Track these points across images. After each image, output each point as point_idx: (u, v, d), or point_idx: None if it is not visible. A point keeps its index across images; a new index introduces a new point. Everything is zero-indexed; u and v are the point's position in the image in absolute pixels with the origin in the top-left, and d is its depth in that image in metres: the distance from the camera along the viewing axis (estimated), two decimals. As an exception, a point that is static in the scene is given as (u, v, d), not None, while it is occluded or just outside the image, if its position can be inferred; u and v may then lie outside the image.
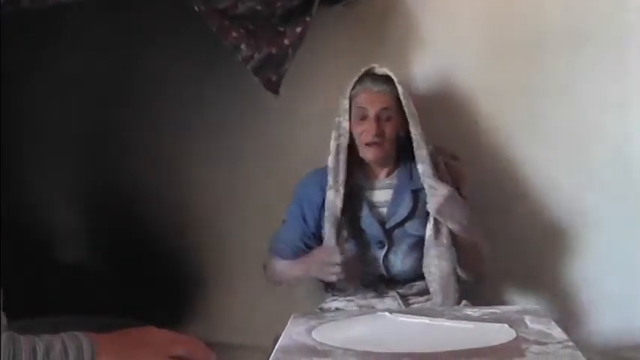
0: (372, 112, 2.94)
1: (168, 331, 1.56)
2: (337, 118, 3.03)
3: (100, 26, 3.45)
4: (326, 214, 2.98)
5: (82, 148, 3.82)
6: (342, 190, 2.96)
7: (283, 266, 3.04)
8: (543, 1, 3.26)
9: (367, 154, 2.97)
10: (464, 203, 2.87)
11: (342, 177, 2.97)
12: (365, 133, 2.95)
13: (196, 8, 2.69)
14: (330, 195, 2.98)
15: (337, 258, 2.79)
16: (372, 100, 2.96)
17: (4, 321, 1.58)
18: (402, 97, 2.96)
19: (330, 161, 3.02)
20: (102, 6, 2.54)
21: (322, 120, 3.14)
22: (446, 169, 2.96)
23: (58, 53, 3.53)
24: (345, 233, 2.95)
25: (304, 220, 3.04)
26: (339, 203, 2.95)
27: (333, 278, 2.84)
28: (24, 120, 3.66)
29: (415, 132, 2.94)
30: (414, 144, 2.93)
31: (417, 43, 3.41)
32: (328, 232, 2.95)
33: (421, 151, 2.93)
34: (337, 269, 2.78)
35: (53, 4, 2.39)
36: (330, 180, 3.00)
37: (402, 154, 3.01)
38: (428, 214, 2.90)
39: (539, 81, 3.29)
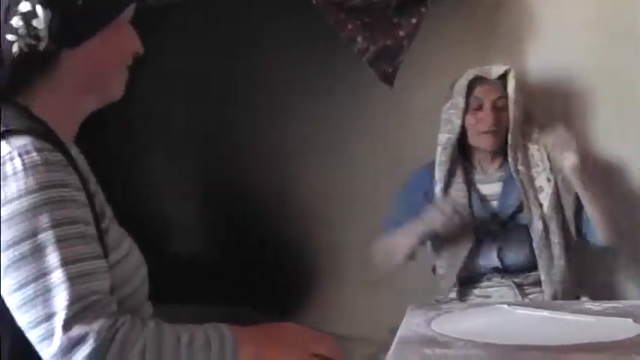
0: (488, 102, 2.97)
1: (310, 329, 1.57)
2: (448, 113, 3.05)
3: (212, 24, 3.51)
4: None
5: (196, 144, 3.89)
6: (443, 181, 3.00)
7: (396, 236, 2.98)
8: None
9: (482, 142, 2.99)
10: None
11: (446, 168, 3.01)
12: (481, 122, 2.97)
13: (314, 1, 2.72)
14: (438, 189, 3.01)
15: (458, 206, 2.84)
16: (487, 91, 2.99)
17: (151, 309, 1.64)
18: (511, 93, 2.99)
19: (439, 155, 3.05)
20: (215, 4, 2.59)
21: (434, 111, 3.13)
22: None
23: (172, 50, 3.60)
24: None
25: (413, 207, 3.01)
26: (440, 194, 3.00)
27: (450, 224, 2.83)
28: (139, 117, 3.73)
29: (524, 129, 2.98)
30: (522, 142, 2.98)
31: (530, 32, 3.37)
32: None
33: (528, 150, 2.99)
34: (456, 216, 2.81)
35: (175, 1, 2.45)
36: (438, 173, 3.03)
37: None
38: (540, 205, 2.90)
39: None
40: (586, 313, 2.39)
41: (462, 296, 2.96)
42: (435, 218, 2.85)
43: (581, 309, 2.47)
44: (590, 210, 2.88)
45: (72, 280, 1.30)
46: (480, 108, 2.98)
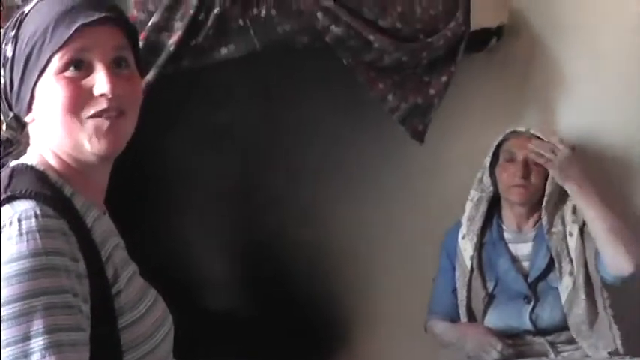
0: (520, 155, 2.95)
1: None
2: (480, 171, 3.06)
3: (247, 81, 3.55)
4: (458, 262, 3.02)
5: (228, 197, 3.91)
6: (475, 240, 2.98)
7: (441, 329, 3.02)
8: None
9: (512, 196, 2.97)
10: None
11: (478, 227, 3.00)
12: (511, 175, 2.95)
13: (345, 61, 2.75)
14: (462, 244, 3.02)
15: (498, 345, 2.79)
16: (520, 145, 2.98)
17: None
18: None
19: (468, 211, 3.06)
20: (251, 61, 2.62)
21: (465, 167, 3.15)
22: None
23: (204, 108, 3.64)
24: (487, 285, 2.96)
25: (454, 270, 3.04)
26: (470, 251, 2.98)
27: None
28: (172, 171, 3.77)
29: (557, 188, 2.95)
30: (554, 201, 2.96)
31: (560, 87, 3.37)
32: (459, 281, 2.99)
33: (560, 205, 2.96)
34: (495, 355, 2.79)
35: (210, 63, 2.48)
36: (465, 229, 3.04)
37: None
38: (570, 261, 2.87)
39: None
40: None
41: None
42: (479, 349, 2.85)
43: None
44: (595, 230, 2.82)
45: (50, 349, 1.31)
46: (511, 160, 2.97)
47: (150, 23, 2.30)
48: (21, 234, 1.35)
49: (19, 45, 1.49)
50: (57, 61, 1.46)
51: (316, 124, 3.59)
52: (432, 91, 3.03)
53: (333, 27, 2.63)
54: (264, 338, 3.57)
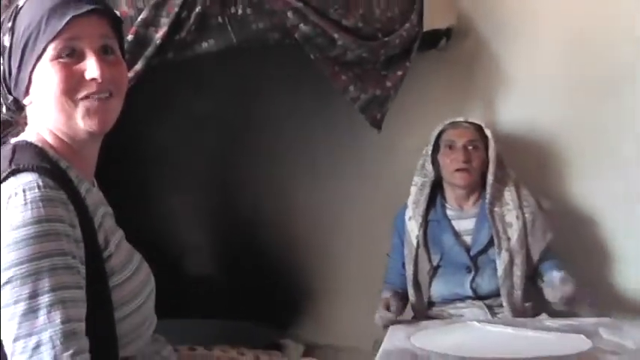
0: (459, 143, 2.98)
1: None
2: (422, 159, 3.09)
3: (225, 74, 3.54)
4: (406, 241, 3.03)
5: (207, 176, 3.92)
6: (420, 220, 3.00)
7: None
8: (618, 40, 3.21)
9: (456, 179, 2.99)
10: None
11: (422, 208, 3.02)
12: (453, 160, 2.98)
13: (312, 56, 2.76)
14: (409, 224, 3.03)
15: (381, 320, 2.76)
16: (460, 134, 3.01)
17: (155, 321, 1.68)
18: (489, 135, 3.01)
19: (413, 195, 3.08)
20: (229, 56, 2.62)
21: (417, 153, 3.15)
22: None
23: (187, 97, 3.63)
24: (432, 259, 2.98)
25: (403, 247, 3.06)
26: (415, 231, 3.00)
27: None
28: (159, 153, 3.76)
29: (498, 173, 2.98)
30: (496, 182, 2.98)
31: (501, 83, 3.41)
32: (407, 257, 3.00)
33: (501, 187, 2.99)
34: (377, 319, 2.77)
35: (192, 56, 2.48)
36: (410, 211, 3.05)
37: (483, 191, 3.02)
38: (508, 239, 2.92)
39: (614, 116, 3.25)
40: (545, 330, 2.43)
41: (439, 315, 2.95)
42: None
43: (541, 326, 2.51)
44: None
45: (55, 305, 1.35)
46: (452, 147, 2.99)
47: (139, 19, 2.30)
48: (26, 203, 1.37)
49: (15, 35, 1.51)
50: (51, 50, 1.48)
51: (286, 113, 3.61)
52: (388, 84, 3.03)
53: (301, 25, 2.63)
54: (236, 300, 3.60)
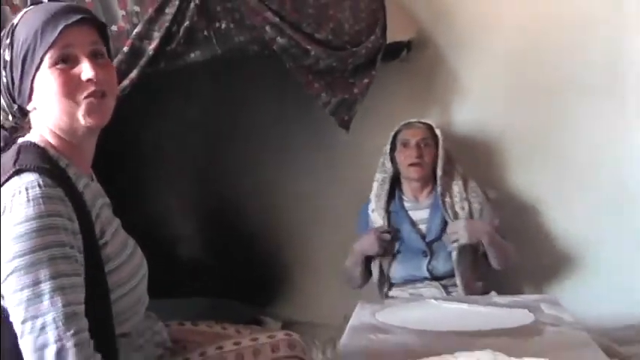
0: (413, 141, 3.02)
1: None
2: (383, 157, 3.12)
3: (212, 82, 3.54)
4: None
5: (196, 172, 3.91)
6: (382, 212, 3.03)
7: (349, 260, 3.07)
8: (560, 51, 3.26)
9: (411, 173, 3.02)
10: (483, 225, 2.92)
11: (383, 201, 3.05)
12: (408, 157, 3.01)
13: (287, 66, 2.76)
14: (373, 216, 3.06)
15: (386, 237, 2.91)
16: (413, 133, 3.05)
17: (147, 300, 1.69)
18: (439, 134, 3.05)
19: (375, 189, 3.10)
20: (216, 66, 2.63)
21: (381, 151, 3.17)
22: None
23: (178, 104, 3.62)
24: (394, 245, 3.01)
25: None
26: (380, 221, 3.03)
27: (379, 250, 2.93)
28: (153, 153, 3.75)
29: (446, 167, 3.02)
30: (445, 175, 3.02)
31: (456, 89, 3.44)
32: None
33: (449, 181, 3.03)
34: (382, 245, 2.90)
35: (181, 65, 2.49)
36: (373, 204, 3.08)
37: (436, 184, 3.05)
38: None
39: (554, 118, 3.30)
40: (494, 306, 2.46)
41: (399, 295, 2.97)
42: (364, 243, 2.95)
43: (490, 302, 2.53)
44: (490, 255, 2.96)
45: (56, 290, 1.36)
46: (407, 145, 3.03)
47: (134, 33, 2.29)
48: (28, 200, 1.38)
49: (14, 49, 1.50)
50: (48, 58, 1.48)
51: (266, 118, 3.61)
52: (356, 90, 3.05)
53: (278, 38, 2.63)
54: (221, 282, 3.60)
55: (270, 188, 3.69)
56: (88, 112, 1.51)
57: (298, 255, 3.72)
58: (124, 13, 2.35)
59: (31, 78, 1.50)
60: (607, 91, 3.22)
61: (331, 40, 2.87)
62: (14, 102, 1.55)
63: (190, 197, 3.92)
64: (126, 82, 2.22)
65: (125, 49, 2.26)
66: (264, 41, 2.63)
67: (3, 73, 1.53)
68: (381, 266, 3.01)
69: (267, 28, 2.61)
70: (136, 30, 2.32)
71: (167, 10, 2.40)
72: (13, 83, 1.53)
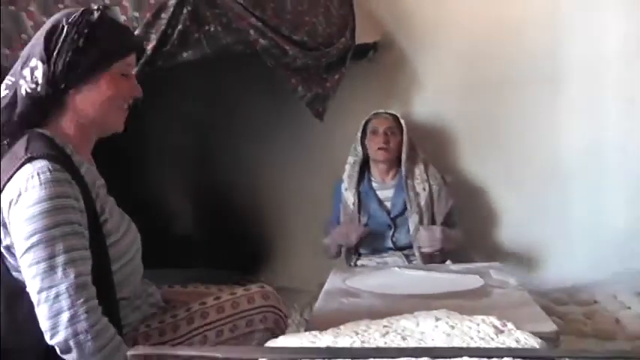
0: (381, 129, 3.03)
1: None
2: (353, 144, 3.13)
3: (206, 80, 3.51)
4: (342, 205, 3.07)
5: (190, 159, 3.88)
6: (354, 191, 3.04)
7: (328, 240, 3.08)
8: (510, 49, 3.27)
9: (378, 156, 3.03)
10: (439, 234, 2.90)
11: (355, 181, 3.06)
12: (376, 142, 3.03)
13: (269, 63, 2.76)
14: (345, 194, 3.07)
15: (356, 235, 2.92)
16: (381, 122, 3.06)
17: (142, 269, 1.69)
18: (404, 124, 3.05)
19: (347, 170, 3.11)
20: (210, 65, 2.61)
21: (352, 139, 3.18)
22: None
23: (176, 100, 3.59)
24: (361, 220, 3.02)
25: (337, 211, 3.10)
26: (351, 199, 3.03)
27: (350, 244, 2.94)
28: (153, 142, 3.72)
29: (409, 153, 3.03)
30: (408, 160, 3.03)
31: (417, 85, 3.44)
32: (343, 218, 3.05)
33: (412, 165, 3.03)
34: (353, 240, 2.91)
35: (176, 64, 2.47)
36: (346, 184, 3.08)
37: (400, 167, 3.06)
38: (418, 205, 2.96)
39: (506, 112, 3.31)
40: (450, 272, 2.48)
41: (368, 263, 2.98)
42: (344, 239, 2.96)
43: (446, 269, 2.56)
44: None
45: (69, 263, 1.38)
46: (375, 132, 3.04)
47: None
48: (40, 184, 1.39)
49: (90, 39, 1.49)
50: (118, 66, 1.54)
51: (250, 109, 3.58)
52: (328, 85, 3.05)
53: (261, 40, 2.63)
54: (208, 252, 3.59)
55: (255, 171, 3.66)
56: (121, 119, 1.59)
57: (279, 229, 3.71)
58: (125, 18, 2.33)
59: (98, 70, 1.52)
60: (548, 82, 3.24)
61: (307, 42, 2.87)
62: (55, 75, 1.50)
63: (183, 181, 3.89)
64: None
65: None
66: (249, 42, 2.63)
67: (65, 47, 1.49)
68: None
69: (251, 31, 2.61)
70: (135, 33, 2.31)
71: (163, 15, 2.39)
72: (70, 64, 1.49)
